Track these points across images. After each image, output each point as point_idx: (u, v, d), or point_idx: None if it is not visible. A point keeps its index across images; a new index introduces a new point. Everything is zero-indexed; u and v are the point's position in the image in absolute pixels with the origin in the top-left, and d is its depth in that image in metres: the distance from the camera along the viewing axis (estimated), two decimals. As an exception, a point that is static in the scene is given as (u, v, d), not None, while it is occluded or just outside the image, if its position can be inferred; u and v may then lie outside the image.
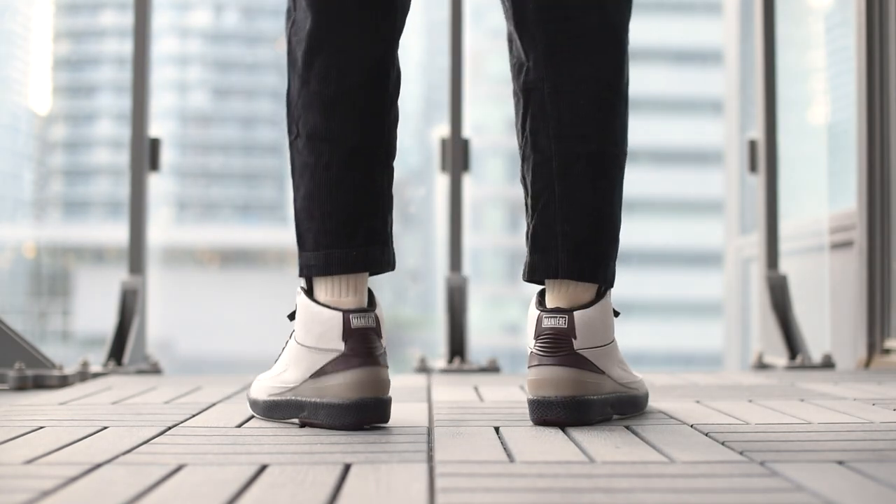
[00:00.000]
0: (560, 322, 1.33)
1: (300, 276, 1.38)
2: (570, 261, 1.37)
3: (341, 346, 1.29)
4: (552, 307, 1.36)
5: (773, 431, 1.27)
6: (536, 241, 1.40)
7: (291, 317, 1.39)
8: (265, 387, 1.40)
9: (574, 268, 1.37)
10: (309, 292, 1.36)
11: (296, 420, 1.34)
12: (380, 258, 1.36)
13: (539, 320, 1.34)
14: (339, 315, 1.29)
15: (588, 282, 1.37)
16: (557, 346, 1.32)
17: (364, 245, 1.35)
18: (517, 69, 1.44)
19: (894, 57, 2.71)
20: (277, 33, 1.56)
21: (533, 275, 1.41)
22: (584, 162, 1.39)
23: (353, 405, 1.27)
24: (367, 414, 1.28)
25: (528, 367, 1.35)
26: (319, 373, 1.30)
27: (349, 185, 1.35)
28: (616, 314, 1.41)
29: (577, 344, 1.32)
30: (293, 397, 1.34)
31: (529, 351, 1.36)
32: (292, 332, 1.37)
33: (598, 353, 1.34)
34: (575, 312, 1.33)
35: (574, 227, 1.38)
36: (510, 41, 1.46)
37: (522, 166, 1.44)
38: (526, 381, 1.36)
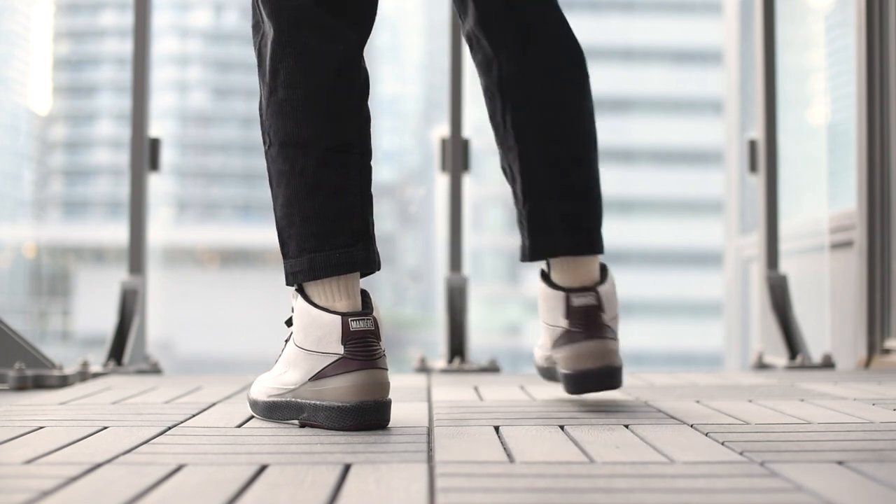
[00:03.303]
0: (591, 299, 1.48)
1: (287, 284, 1.38)
2: (570, 238, 1.52)
3: (340, 350, 1.28)
4: (577, 286, 1.50)
5: (773, 431, 1.27)
6: (533, 222, 1.53)
7: (289, 323, 1.38)
8: (265, 388, 1.40)
9: (574, 244, 1.52)
10: (305, 296, 1.35)
11: (295, 421, 1.34)
12: (365, 258, 1.35)
13: (568, 299, 1.48)
14: (338, 319, 1.29)
15: (588, 255, 1.51)
16: (592, 321, 1.47)
17: (347, 246, 1.34)
18: (485, 66, 1.55)
19: (894, 57, 2.71)
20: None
21: (535, 255, 1.54)
22: (569, 144, 1.52)
23: (353, 408, 1.27)
24: (368, 417, 1.28)
25: (562, 344, 1.47)
26: (319, 375, 1.30)
27: (326, 187, 1.34)
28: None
29: (604, 317, 1.48)
30: (293, 399, 1.34)
31: (560, 329, 1.48)
32: (290, 334, 1.37)
33: (614, 322, 1.51)
34: (599, 288, 1.48)
35: (567, 206, 1.52)
36: (472, 39, 1.56)
37: (507, 156, 1.55)
38: (560, 357, 1.48)
